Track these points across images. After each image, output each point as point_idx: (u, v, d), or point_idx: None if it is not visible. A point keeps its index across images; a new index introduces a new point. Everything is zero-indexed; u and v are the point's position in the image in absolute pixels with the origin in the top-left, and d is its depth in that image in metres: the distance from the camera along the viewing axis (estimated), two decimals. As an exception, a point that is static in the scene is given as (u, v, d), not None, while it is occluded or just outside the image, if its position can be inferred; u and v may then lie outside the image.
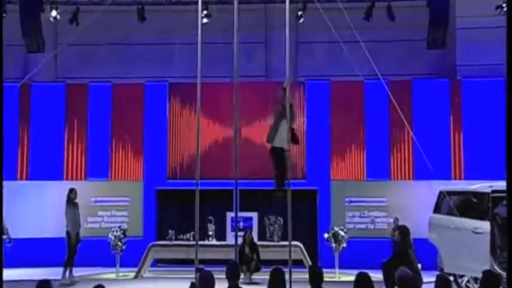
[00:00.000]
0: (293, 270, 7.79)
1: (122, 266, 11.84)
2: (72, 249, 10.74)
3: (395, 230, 9.40)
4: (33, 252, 12.85)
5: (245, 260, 10.76)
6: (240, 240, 9.99)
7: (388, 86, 10.46)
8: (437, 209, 10.14)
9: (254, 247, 11.13)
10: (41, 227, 13.04)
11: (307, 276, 5.80)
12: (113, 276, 11.60)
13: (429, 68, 14.37)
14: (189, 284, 5.77)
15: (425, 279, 7.23)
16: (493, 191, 8.72)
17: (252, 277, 10.86)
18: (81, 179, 13.66)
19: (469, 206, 9.25)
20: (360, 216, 13.44)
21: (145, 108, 14.01)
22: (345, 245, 11.82)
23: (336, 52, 13.41)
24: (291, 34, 8.86)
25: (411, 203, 12.97)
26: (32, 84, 13.68)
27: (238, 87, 8.28)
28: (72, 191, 11.06)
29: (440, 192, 10.11)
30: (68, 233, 10.76)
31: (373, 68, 9.03)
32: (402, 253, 7.51)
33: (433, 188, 10.38)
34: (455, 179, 13.13)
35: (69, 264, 10.71)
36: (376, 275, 6.47)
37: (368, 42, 11.62)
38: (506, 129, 4.90)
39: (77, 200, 11.00)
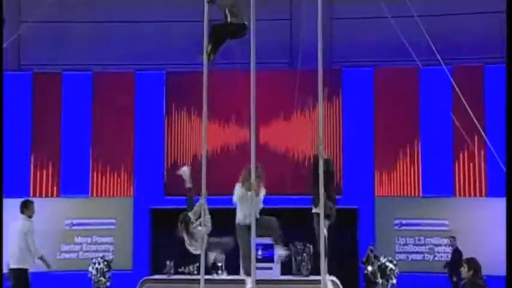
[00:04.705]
0: (328, 314, 7.76)
1: (105, 307, 11.90)
2: None
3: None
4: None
5: None
6: (258, 275, 9.82)
7: (451, 74, 10.37)
8: (518, 236, 10.00)
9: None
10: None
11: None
12: (94, 321, 11.71)
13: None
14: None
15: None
16: None
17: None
18: (52, 196, 13.74)
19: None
20: (415, 244, 13.41)
21: (135, 104, 14.07)
22: (394, 281, 11.84)
23: (383, 30, 13.31)
24: (323, 8, 8.81)
25: (483, 227, 12.91)
26: (-12, 73, 13.80)
27: (255, 77, 8.27)
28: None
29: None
30: None
31: (433, 50, 8.95)
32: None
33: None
34: (542, 195, 13.00)
35: None
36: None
37: (425, 17, 11.57)
38: (506, 130, 4.85)
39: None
